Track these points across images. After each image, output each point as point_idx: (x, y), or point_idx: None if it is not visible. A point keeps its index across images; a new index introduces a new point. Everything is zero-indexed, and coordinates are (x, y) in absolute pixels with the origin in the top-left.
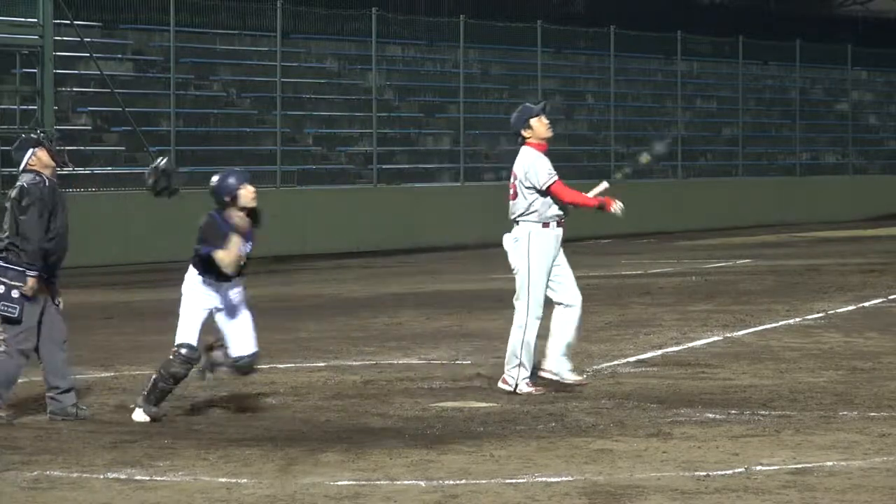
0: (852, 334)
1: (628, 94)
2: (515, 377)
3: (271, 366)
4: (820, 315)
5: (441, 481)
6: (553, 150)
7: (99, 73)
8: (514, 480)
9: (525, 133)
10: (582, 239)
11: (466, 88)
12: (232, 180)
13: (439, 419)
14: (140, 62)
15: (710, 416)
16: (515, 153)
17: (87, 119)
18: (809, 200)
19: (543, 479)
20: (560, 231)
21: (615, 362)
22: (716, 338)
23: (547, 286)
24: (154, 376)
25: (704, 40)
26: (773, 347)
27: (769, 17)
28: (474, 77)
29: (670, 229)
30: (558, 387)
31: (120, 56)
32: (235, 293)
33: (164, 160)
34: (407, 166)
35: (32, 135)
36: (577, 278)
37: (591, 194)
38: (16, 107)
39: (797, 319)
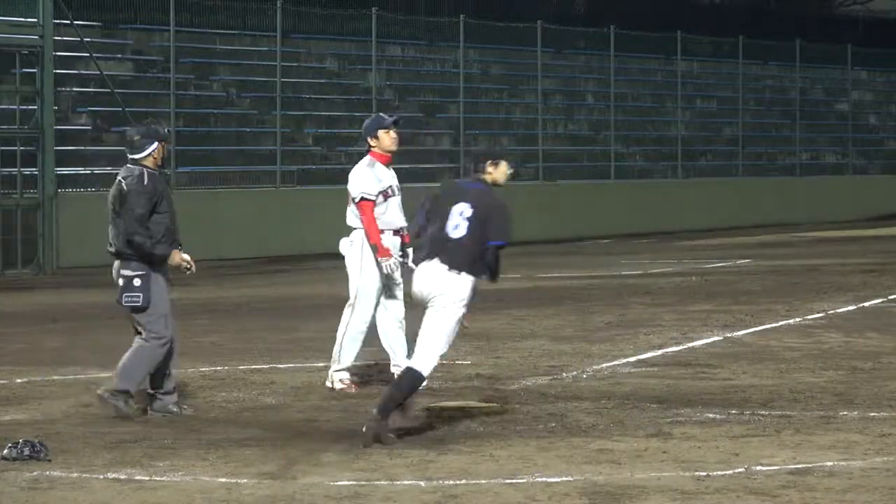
0: (852, 334)
1: (628, 94)
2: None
3: (271, 366)
4: (820, 315)
5: (441, 481)
6: (553, 151)
7: (99, 73)
8: (514, 480)
9: (371, 142)
10: (582, 239)
11: (466, 88)
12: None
13: (439, 419)
14: (140, 62)
15: (710, 416)
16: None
17: (87, 119)
18: (809, 200)
19: (543, 479)
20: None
21: (615, 362)
22: (716, 338)
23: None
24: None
25: (704, 40)
26: (773, 347)
27: (769, 17)
28: (474, 77)
29: (670, 229)
30: (558, 388)
31: (120, 56)
32: None
33: None
34: (407, 166)
35: (158, 127)
36: (578, 278)
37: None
38: (16, 107)
39: (797, 319)
